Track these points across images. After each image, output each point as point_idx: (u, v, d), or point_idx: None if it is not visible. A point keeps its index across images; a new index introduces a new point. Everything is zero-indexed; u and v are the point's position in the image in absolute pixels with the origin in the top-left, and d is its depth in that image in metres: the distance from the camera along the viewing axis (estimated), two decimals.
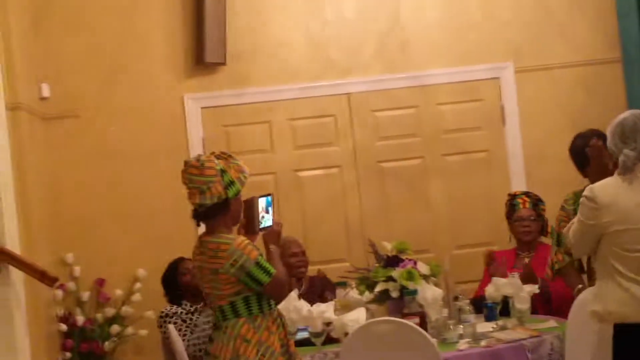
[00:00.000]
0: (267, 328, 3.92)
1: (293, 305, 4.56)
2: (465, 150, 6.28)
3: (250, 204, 3.93)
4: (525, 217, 5.34)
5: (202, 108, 6.17)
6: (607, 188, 3.71)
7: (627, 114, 3.90)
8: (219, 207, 3.82)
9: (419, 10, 6.17)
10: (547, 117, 6.15)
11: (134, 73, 6.04)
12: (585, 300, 4.21)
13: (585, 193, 3.76)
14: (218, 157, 3.90)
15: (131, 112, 6.04)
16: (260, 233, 3.98)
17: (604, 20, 6.18)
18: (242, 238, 3.88)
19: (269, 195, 4.08)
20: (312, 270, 5.55)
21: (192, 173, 3.79)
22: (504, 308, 4.82)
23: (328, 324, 4.49)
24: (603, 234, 3.68)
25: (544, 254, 5.08)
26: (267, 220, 4.01)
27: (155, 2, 6.04)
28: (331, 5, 6.17)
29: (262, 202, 4.00)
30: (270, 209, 4.06)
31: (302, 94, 6.20)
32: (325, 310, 4.55)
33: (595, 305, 3.77)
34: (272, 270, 3.81)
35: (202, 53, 5.94)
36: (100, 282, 5.86)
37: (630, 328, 3.67)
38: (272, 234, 4.08)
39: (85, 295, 5.82)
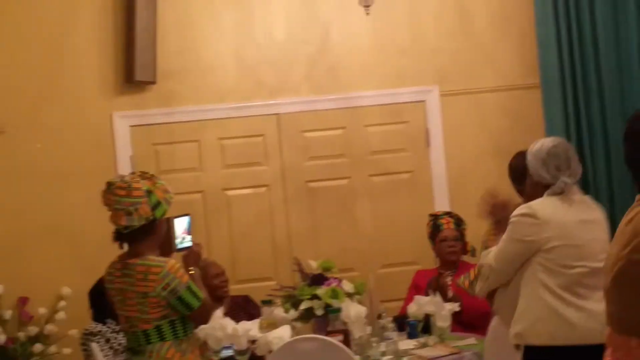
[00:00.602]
0: (192, 351, 3.91)
1: (218, 324, 4.54)
2: (391, 171, 6.32)
3: (167, 224, 3.89)
4: (450, 238, 5.42)
5: (130, 126, 6.09)
6: (546, 206, 3.82)
7: (553, 142, 4.04)
8: (146, 228, 3.76)
9: (348, 34, 6.20)
10: (470, 139, 6.21)
11: (63, 90, 5.92)
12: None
13: (522, 212, 3.83)
14: (143, 177, 3.85)
15: (59, 130, 5.92)
16: (180, 254, 3.97)
17: (525, 48, 6.28)
18: (173, 261, 3.83)
19: (186, 215, 4.07)
20: (234, 290, 5.52)
21: (119, 195, 3.71)
22: (426, 325, 4.87)
23: (253, 341, 4.49)
24: (538, 251, 3.75)
25: (466, 272, 5.11)
26: (186, 242, 4.00)
27: (86, 20, 5.94)
28: (261, 28, 6.17)
29: (182, 223, 3.99)
30: (189, 229, 4.05)
31: (232, 113, 6.18)
32: (250, 328, 4.57)
33: (517, 325, 3.81)
34: (201, 295, 3.80)
35: (132, 71, 5.87)
36: (24, 301, 5.71)
37: (551, 350, 3.74)
38: (192, 255, 4.08)
39: (7, 314, 5.65)
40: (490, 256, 3.95)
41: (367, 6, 4.89)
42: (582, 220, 3.87)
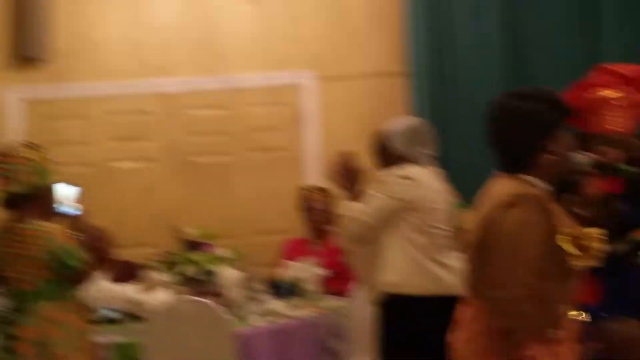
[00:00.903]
0: (75, 311, 3.96)
1: (99, 285, 4.57)
2: (268, 148, 6.40)
3: (50, 191, 3.93)
4: (320, 209, 5.57)
5: (21, 101, 6.06)
6: (416, 172, 4.03)
7: (414, 120, 4.38)
8: (31, 195, 3.81)
9: (231, 18, 6.24)
10: (342, 120, 6.29)
11: None
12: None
13: (399, 174, 4.02)
14: (25, 146, 3.91)
15: None
16: (67, 220, 4.01)
17: (395, 37, 6.39)
18: (58, 226, 3.88)
19: (71, 184, 4.12)
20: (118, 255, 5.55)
21: (0, 161, 3.78)
22: (298, 289, 4.99)
23: (133, 303, 4.57)
24: (409, 209, 3.96)
25: (332, 241, 5.31)
26: (73, 209, 4.07)
27: None
28: (148, 10, 6.19)
29: (68, 191, 4.05)
30: (73, 197, 4.11)
31: (119, 91, 6.19)
32: (129, 290, 4.64)
33: (389, 276, 4.01)
34: (84, 258, 3.84)
35: (23, 47, 5.83)
36: None
37: (408, 299, 3.96)
38: (78, 222, 4.14)
39: None
40: (358, 211, 4.11)
41: None
42: (440, 189, 4.14)
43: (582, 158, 3.02)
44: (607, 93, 3.40)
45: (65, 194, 4.05)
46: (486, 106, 2.92)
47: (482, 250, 2.79)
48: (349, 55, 6.44)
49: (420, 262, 3.98)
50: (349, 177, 4.31)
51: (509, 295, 2.66)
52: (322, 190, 5.70)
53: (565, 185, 3.13)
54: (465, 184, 4.78)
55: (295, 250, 5.54)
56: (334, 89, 6.40)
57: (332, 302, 4.93)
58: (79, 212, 4.15)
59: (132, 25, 6.19)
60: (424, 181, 4.05)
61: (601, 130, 3.39)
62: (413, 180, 4.00)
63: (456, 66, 6.38)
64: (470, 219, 2.99)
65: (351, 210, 4.13)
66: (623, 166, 3.33)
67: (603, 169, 3.12)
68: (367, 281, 4.22)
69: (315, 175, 6.31)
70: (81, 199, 4.17)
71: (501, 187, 2.82)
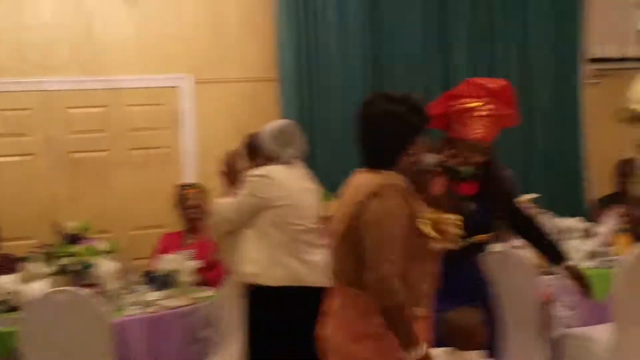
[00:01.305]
0: None
1: None
2: (148, 146, 6.37)
3: None
4: (194, 205, 5.59)
5: None
6: (277, 171, 4.12)
7: (283, 122, 4.42)
8: None
9: (111, 20, 6.17)
10: (218, 122, 6.31)
11: None
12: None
13: (259, 173, 4.11)
14: None
15: None
16: None
17: (267, 46, 6.45)
18: None
19: None
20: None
21: None
22: (172, 280, 4.93)
23: (9, 293, 4.51)
24: (268, 207, 4.05)
25: (205, 235, 5.34)
26: None
27: None
28: (32, 9, 6.05)
29: None
30: None
31: (1, 88, 6.05)
32: (7, 281, 4.56)
33: (250, 267, 4.10)
34: None
35: None
36: None
37: (266, 289, 4.06)
38: None
39: None
40: (224, 207, 4.21)
41: None
42: (303, 187, 4.24)
43: (430, 159, 3.16)
44: (472, 104, 3.51)
45: None
46: (352, 108, 3.01)
47: (350, 238, 2.85)
48: (224, 60, 6.46)
49: (276, 255, 4.07)
50: (231, 175, 4.39)
51: (379, 275, 2.72)
52: (196, 187, 5.74)
53: (415, 183, 3.12)
54: (331, 180, 4.94)
55: (171, 244, 5.52)
56: (211, 92, 6.42)
57: (205, 292, 4.94)
58: None
59: (14, 24, 6.04)
60: (283, 180, 4.14)
61: (464, 138, 3.51)
62: (271, 179, 4.10)
63: (322, 73, 6.48)
64: (334, 211, 3.06)
65: (218, 207, 4.24)
66: (462, 168, 3.46)
67: (445, 169, 3.27)
68: (235, 272, 4.30)
69: (191, 173, 6.34)
70: None
71: (365, 180, 2.90)
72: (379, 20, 6.65)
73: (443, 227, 2.89)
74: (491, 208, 3.66)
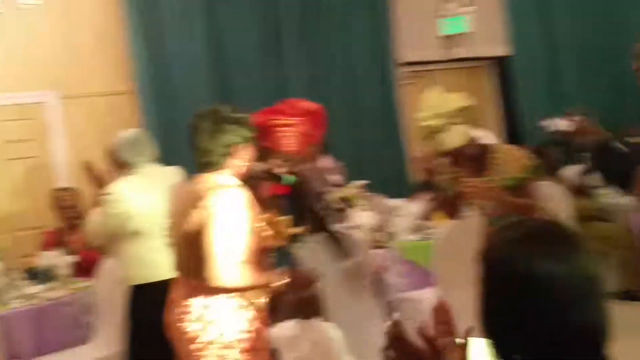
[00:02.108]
0: None
1: None
2: (22, 157, 6.29)
3: None
4: (70, 206, 5.53)
5: None
6: (129, 183, 4.03)
7: (132, 132, 4.31)
8: None
9: None
10: (84, 133, 6.25)
11: None
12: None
13: (112, 190, 4.00)
14: None
15: None
16: None
17: (120, 60, 6.46)
18: None
19: None
20: None
21: None
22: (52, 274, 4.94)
23: None
24: (126, 218, 3.94)
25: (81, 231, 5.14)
26: None
27: None
28: None
29: None
30: None
31: None
32: None
33: (125, 270, 4.06)
34: None
35: None
36: None
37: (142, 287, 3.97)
38: None
39: None
40: (94, 223, 4.16)
41: None
42: (155, 193, 3.95)
43: (258, 166, 3.25)
44: (286, 121, 3.65)
45: None
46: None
47: (194, 235, 2.82)
48: (86, 76, 6.38)
49: (142, 256, 3.97)
50: (94, 181, 4.39)
51: (229, 266, 2.73)
52: (70, 190, 5.70)
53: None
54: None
55: (51, 242, 5.47)
56: (77, 106, 6.36)
57: (82, 283, 4.94)
58: None
59: None
60: (136, 189, 4.02)
61: (277, 148, 3.66)
62: (122, 194, 3.97)
63: (171, 85, 6.53)
64: (172, 213, 3.06)
65: (90, 223, 4.18)
66: (284, 176, 3.59)
67: (271, 176, 3.40)
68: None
69: (63, 179, 6.26)
70: None
71: (201, 184, 2.91)
72: (220, 30, 6.76)
73: (276, 226, 2.98)
74: (300, 208, 3.83)
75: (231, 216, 2.77)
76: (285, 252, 3.49)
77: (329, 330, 3.37)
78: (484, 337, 1.46)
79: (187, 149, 6.05)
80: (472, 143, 3.69)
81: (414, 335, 1.65)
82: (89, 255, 5.11)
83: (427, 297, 4.85)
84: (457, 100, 3.64)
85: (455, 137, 3.57)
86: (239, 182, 2.94)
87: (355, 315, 4.36)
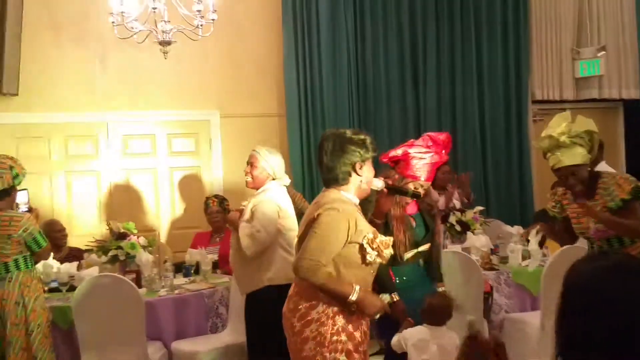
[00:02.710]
0: (37, 278, 4.11)
1: (49, 264, 4.59)
2: (186, 166, 6.42)
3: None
4: (214, 212, 5.58)
5: None
6: (284, 200, 3.99)
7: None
8: (6, 192, 3.97)
9: (157, 71, 6.06)
10: (239, 148, 6.07)
11: None
12: None
13: (273, 204, 3.86)
14: (6, 157, 4.05)
15: None
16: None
17: (277, 87, 6.48)
18: (28, 215, 4.07)
19: (24, 189, 4.37)
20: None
21: None
22: (197, 269, 5.06)
23: (72, 276, 4.58)
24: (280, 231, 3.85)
25: (226, 236, 5.33)
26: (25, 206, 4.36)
27: None
28: None
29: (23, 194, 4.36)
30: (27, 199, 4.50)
31: None
32: (70, 267, 4.65)
33: (268, 273, 3.84)
34: (46, 240, 4.09)
35: None
36: None
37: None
38: (34, 214, 4.28)
39: None
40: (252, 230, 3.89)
41: (165, 52, 5.03)
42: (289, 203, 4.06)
43: (379, 181, 3.13)
44: (416, 152, 3.53)
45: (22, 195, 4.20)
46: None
47: (305, 239, 2.87)
48: (244, 100, 6.43)
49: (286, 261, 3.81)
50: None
51: (311, 263, 2.79)
52: (217, 197, 5.72)
53: (366, 201, 3.19)
54: None
55: (199, 241, 5.54)
56: (234, 125, 6.40)
57: (222, 279, 4.95)
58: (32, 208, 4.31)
59: None
60: (288, 207, 3.97)
61: (412, 178, 3.52)
62: (281, 209, 3.89)
63: (320, 111, 6.45)
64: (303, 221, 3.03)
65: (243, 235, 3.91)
66: (410, 190, 3.39)
67: (392, 190, 3.28)
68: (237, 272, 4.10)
69: (219, 186, 6.37)
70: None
71: (323, 197, 2.95)
72: (365, 65, 6.63)
73: (378, 245, 2.88)
74: (428, 224, 3.68)
75: (330, 224, 2.81)
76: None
77: (455, 337, 3.30)
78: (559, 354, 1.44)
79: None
80: (586, 165, 3.45)
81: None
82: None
83: (531, 319, 4.70)
84: (585, 123, 3.45)
85: (573, 155, 3.38)
86: (354, 198, 2.96)
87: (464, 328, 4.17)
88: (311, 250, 2.80)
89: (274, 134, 6.48)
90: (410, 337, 3.26)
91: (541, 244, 5.11)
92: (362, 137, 2.99)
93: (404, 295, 3.41)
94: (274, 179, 3.98)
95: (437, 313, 3.30)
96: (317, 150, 6.14)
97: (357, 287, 2.85)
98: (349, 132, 3.00)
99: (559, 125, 3.44)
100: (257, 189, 3.98)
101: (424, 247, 3.57)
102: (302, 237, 2.92)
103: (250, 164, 4.00)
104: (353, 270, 2.88)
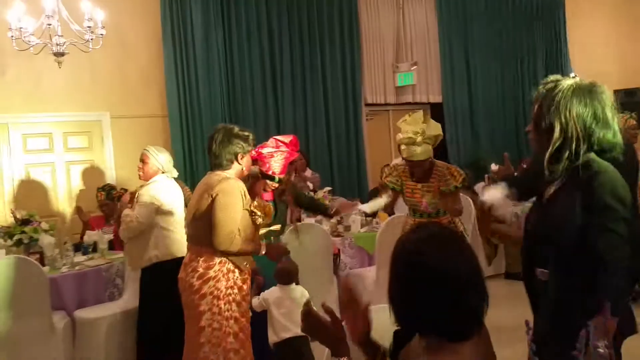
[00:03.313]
0: None
1: None
2: (82, 160, 6.04)
3: None
4: (102, 204, 5.30)
5: None
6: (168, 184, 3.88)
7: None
8: None
9: (48, 78, 5.71)
10: (130, 148, 5.74)
11: None
12: None
13: (153, 186, 3.75)
14: None
15: None
16: None
17: (160, 91, 6.17)
18: None
19: None
20: None
21: None
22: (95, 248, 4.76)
23: None
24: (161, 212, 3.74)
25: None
26: None
27: None
28: None
29: None
30: None
31: None
32: None
33: (154, 252, 3.74)
34: None
35: None
36: None
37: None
38: None
39: None
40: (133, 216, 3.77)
41: (59, 62, 4.67)
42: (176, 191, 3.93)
43: (254, 168, 3.24)
44: (267, 152, 3.53)
45: None
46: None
47: (202, 217, 2.84)
48: (132, 102, 6.09)
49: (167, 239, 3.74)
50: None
51: (225, 238, 2.77)
52: (104, 189, 5.39)
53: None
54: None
55: (96, 224, 5.29)
56: (123, 125, 6.09)
57: (117, 254, 4.71)
58: None
59: None
60: (171, 190, 3.85)
61: (268, 172, 3.53)
62: (157, 199, 3.72)
63: (197, 112, 6.28)
64: (192, 199, 3.01)
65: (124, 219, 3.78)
66: (275, 176, 3.50)
67: (264, 176, 3.34)
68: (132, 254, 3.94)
69: (110, 179, 6.03)
70: None
71: (210, 179, 2.93)
72: (235, 77, 6.53)
73: (264, 209, 2.96)
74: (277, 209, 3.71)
75: (230, 200, 2.81)
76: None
77: (302, 290, 3.37)
78: (393, 315, 1.37)
79: (203, 160, 6.13)
80: (430, 158, 3.73)
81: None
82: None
83: (369, 273, 4.84)
84: (435, 128, 3.68)
85: (424, 152, 3.62)
86: (238, 179, 2.97)
87: (318, 283, 4.36)
88: (223, 225, 2.77)
89: (158, 132, 6.24)
90: (269, 296, 3.30)
91: (374, 215, 5.34)
92: (246, 133, 3.03)
93: (266, 266, 3.39)
94: (163, 172, 3.89)
95: (285, 275, 3.34)
96: (195, 145, 6.19)
97: (263, 244, 2.95)
98: (236, 128, 3.03)
99: (415, 124, 3.65)
100: (148, 180, 3.88)
101: (275, 227, 3.57)
102: (198, 213, 2.86)
103: (142, 160, 3.89)
104: (247, 231, 2.91)
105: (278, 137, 3.70)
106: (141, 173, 3.87)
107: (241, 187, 2.88)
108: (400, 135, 3.70)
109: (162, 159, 3.88)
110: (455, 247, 1.33)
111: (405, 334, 1.42)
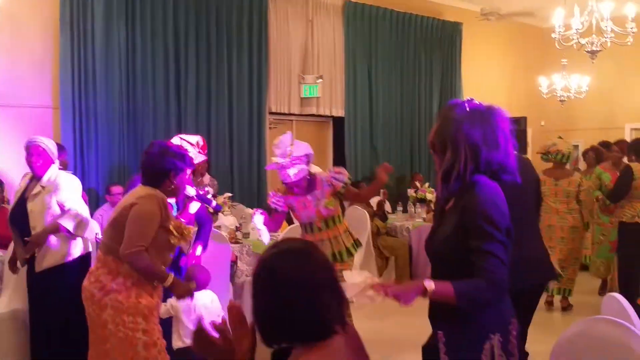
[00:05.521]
0: None
1: None
2: None
3: None
4: None
5: None
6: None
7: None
8: None
9: None
10: (18, 138, 5.48)
11: None
12: None
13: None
14: None
15: None
16: None
17: (53, 81, 5.88)
18: None
19: None
20: None
21: None
22: None
23: None
24: None
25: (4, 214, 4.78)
26: None
27: None
28: None
29: None
30: None
31: None
32: None
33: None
34: None
35: None
36: None
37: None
38: None
39: None
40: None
41: None
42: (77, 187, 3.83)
43: (192, 189, 3.32)
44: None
45: None
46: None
47: (118, 225, 2.83)
48: (15, 92, 5.72)
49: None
50: None
51: (133, 249, 2.74)
52: None
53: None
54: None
55: None
56: (8, 114, 5.73)
57: None
58: None
59: None
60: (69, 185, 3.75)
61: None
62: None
63: (92, 108, 6.04)
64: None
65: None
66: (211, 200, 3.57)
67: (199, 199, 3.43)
68: None
69: None
70: None
71: (137, 192, 2.91)
72: (136, 71, 6.34)
73: (181, 230, 2.93)
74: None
75: (146, 211, 2.79)
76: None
77: (214, 297, 3.52)
78: (259, 333, 1.46)
79: (95, 158, 5.88)
80: (310, 176, 3.82)
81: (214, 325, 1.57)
82: (3, 234, 4.59)
83: None
84: (305, 148, 3.79)
85: (295, 173, 3.71)
86: (161, 194, 2.92)
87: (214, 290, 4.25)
88: (133, 237, 2.73)
89: (48, 124, 5.91)
90: (180, 304, 3.32)
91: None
92: (181, 153, 2.99)
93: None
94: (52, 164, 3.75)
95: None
96: (89, 141, 5.94)
97: (171, 275, 2.87)
98: (173, 146, 3.02)
99: (282, 147, 3.77)
100: (42, 175, 3.71)
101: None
102: (115, 222, 2.84)
103: (32, 153, 3.72)
104: (158, 251, 2.86)
105: (184, 136, 3.69)
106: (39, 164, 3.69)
107: (162, 201, 2.86)
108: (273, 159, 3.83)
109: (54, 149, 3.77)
110: (306, 256, 1.46)
111: (279, 351, 1.52)
